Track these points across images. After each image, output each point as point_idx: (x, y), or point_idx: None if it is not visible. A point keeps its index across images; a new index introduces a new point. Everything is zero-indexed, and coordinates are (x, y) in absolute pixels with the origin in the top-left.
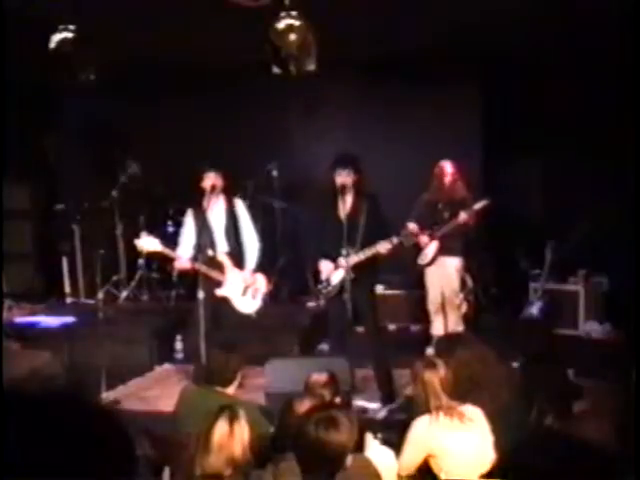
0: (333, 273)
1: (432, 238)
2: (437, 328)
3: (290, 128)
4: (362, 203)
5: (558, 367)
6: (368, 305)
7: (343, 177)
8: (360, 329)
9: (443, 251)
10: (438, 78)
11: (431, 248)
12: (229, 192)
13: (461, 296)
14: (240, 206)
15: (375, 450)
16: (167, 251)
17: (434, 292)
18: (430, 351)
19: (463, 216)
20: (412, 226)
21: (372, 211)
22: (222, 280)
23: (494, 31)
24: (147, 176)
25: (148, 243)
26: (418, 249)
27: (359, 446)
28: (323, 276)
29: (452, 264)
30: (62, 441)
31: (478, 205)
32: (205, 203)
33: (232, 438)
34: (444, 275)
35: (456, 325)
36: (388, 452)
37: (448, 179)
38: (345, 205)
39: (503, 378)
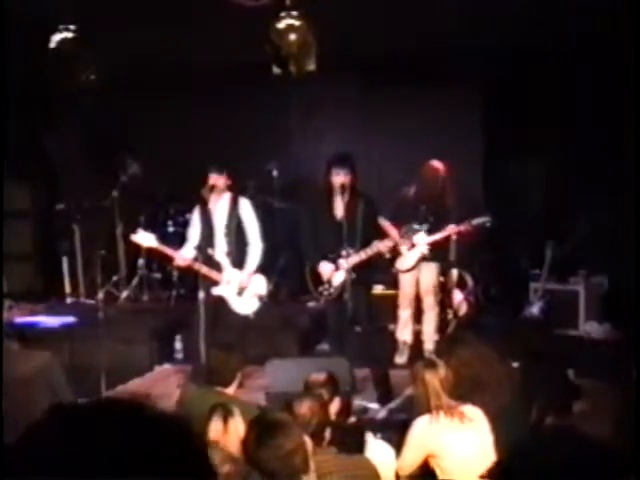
0: (334, 275)
1: (415, 244)
2: (404, 333)
3: (290, 128)
4: (358, 203)
5: (558, 367)
6: (364, 304)
7: (342, 177)
8: (359, 329)
9: (426, 258)
10: (438, 78)
11: (413, 254)
12: (235, 192)
13: (461, 296)
14: (245, 206)
15: (375, 449)
16: (163, 248)
17: (406, 297)
18: (398, 360)
19: (458, 227)
20: (385, 224)
21: (368, 211)
22: (219, 279)
23: (494, 31)
24: (147, 176)
25: (144, 239)
26: (396, 252)
27: (359, 446)
28: (324, 278)
29: (432, 268)
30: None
31: (478, 220)
32: (209, 202)
33: (227, 434)
34: (422, 280)
35: (434, 335)
36: (388, 450)
37: (439, 182)
38: (342, 205)
39: (503, 378)
